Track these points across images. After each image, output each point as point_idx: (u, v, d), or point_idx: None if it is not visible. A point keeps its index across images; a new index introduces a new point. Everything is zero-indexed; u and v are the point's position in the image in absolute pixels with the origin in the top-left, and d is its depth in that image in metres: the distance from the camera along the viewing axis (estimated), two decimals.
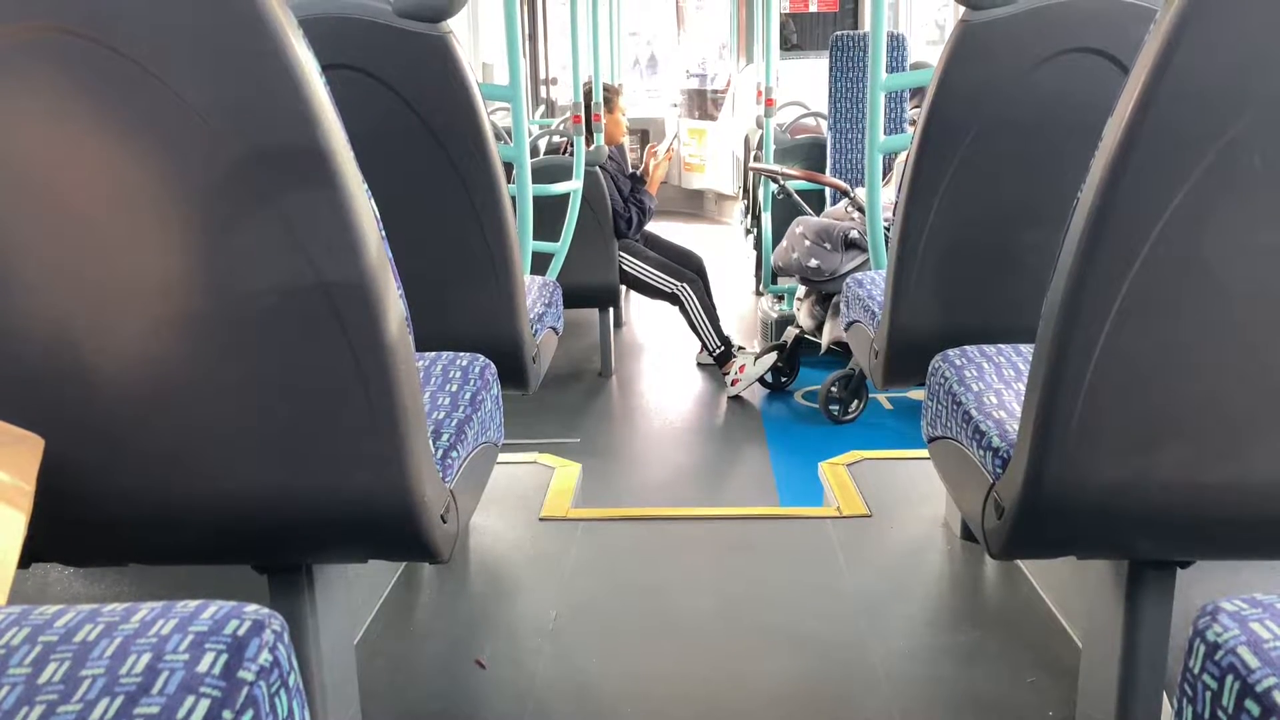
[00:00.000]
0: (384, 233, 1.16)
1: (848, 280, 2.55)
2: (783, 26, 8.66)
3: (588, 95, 4.50)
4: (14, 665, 0.73)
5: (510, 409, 1.90)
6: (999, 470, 1.37)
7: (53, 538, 1.27)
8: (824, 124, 6.18)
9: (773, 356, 4.88)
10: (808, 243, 4.41)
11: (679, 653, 1.95)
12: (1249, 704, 0.75)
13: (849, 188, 4.63)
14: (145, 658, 0.73)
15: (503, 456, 1.89)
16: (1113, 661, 1.50)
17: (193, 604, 0.79)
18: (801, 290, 4.74)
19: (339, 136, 1.08)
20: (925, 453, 1.76)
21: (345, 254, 1.10)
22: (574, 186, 4.09)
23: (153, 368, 1.16)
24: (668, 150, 5.60)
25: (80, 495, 1.22)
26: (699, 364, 5.38)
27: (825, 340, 4.54)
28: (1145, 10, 1.78)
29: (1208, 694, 0.80)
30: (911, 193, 2.01)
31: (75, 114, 1.05)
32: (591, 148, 4.49)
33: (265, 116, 1.05)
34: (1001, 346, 1.72)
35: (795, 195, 4.96)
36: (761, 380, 4.90)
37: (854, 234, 4.33)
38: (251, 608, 0.79)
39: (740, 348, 5.05)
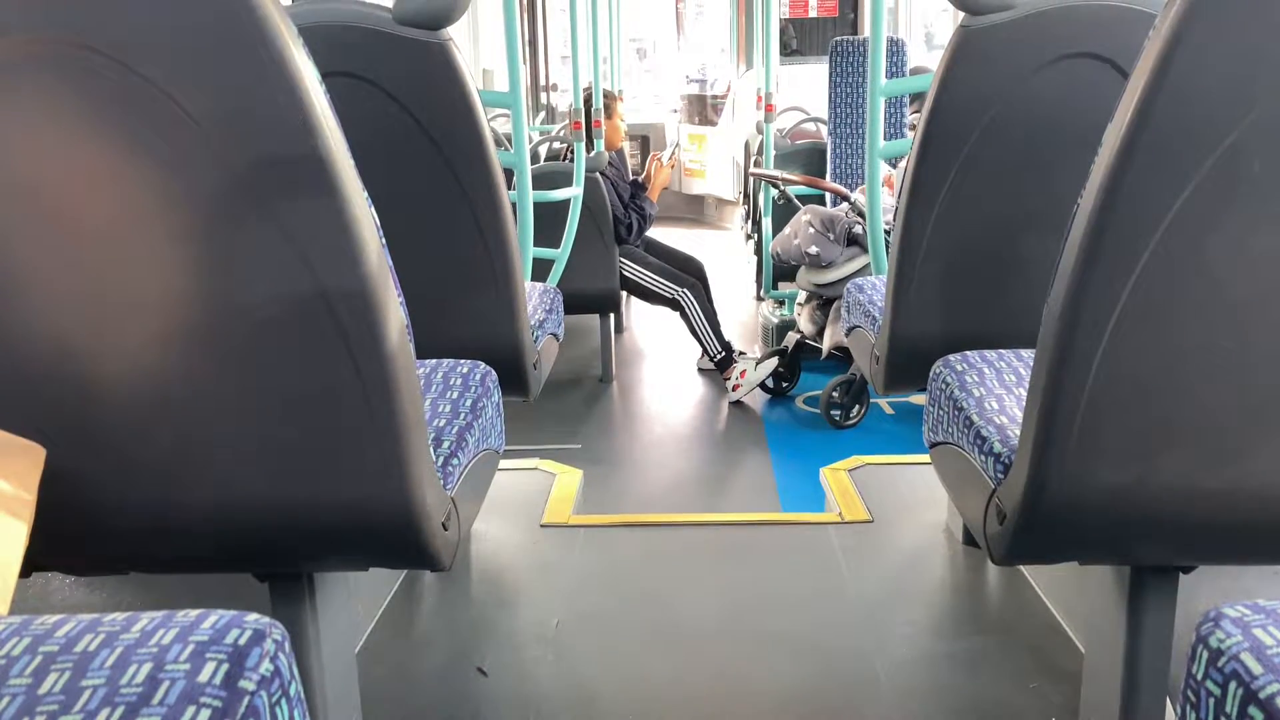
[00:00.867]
0: (384, 240, 1.16)
1: (848, 285, 2.55)
2: (782, 32, 8.67)
3: (588, 101, 4.51)
4: (14, 676, 0.73)
5: (511, 415, 1.90)
6: (1000, 476, 1.37)
7: (54, 547, 1.27)
8: (824, 129, 6.18)
9: (774, 361, 4.88)
10: (812, 230, 4.41)
11: (681, 660, 1.95)
12: (1252, 710, 0.75)
13: (849, 193, 4.63)
14: (146, 668, 0.73)
15: (504, 463, 1.89)
16: (1115, 667, 1.50)
17: (193, 613, 0.79)
18: (802, 295, 4.74)
19: (339, 145, 1.08)
20: (927, 458, 1.76)
21: (345, 262, 1.10)
22: (574, 193, 4.09)
23: (154, 377, 1.16)
24: (671, 157, 5.60)
25: (82, 504, 1.22)
26: (700, 369, 5.38)
27: (826, 345, 4.54)
28: (1145, 15, 1.78)
29: (1211, 700, 0.80)
30: (912, 198, 2.01)
31: (76, 125, 1.05)
32: (592, 154, 4.50)
33: (266, 126, 1.05)
34: (1003, 352, 1.72)
35: (795, 200, 4.96)
36: (763, 385, 4.90)
37: (859, 229, 4.33)
38: (252, 617, 0.79)
39: (741, 353, 5.05)
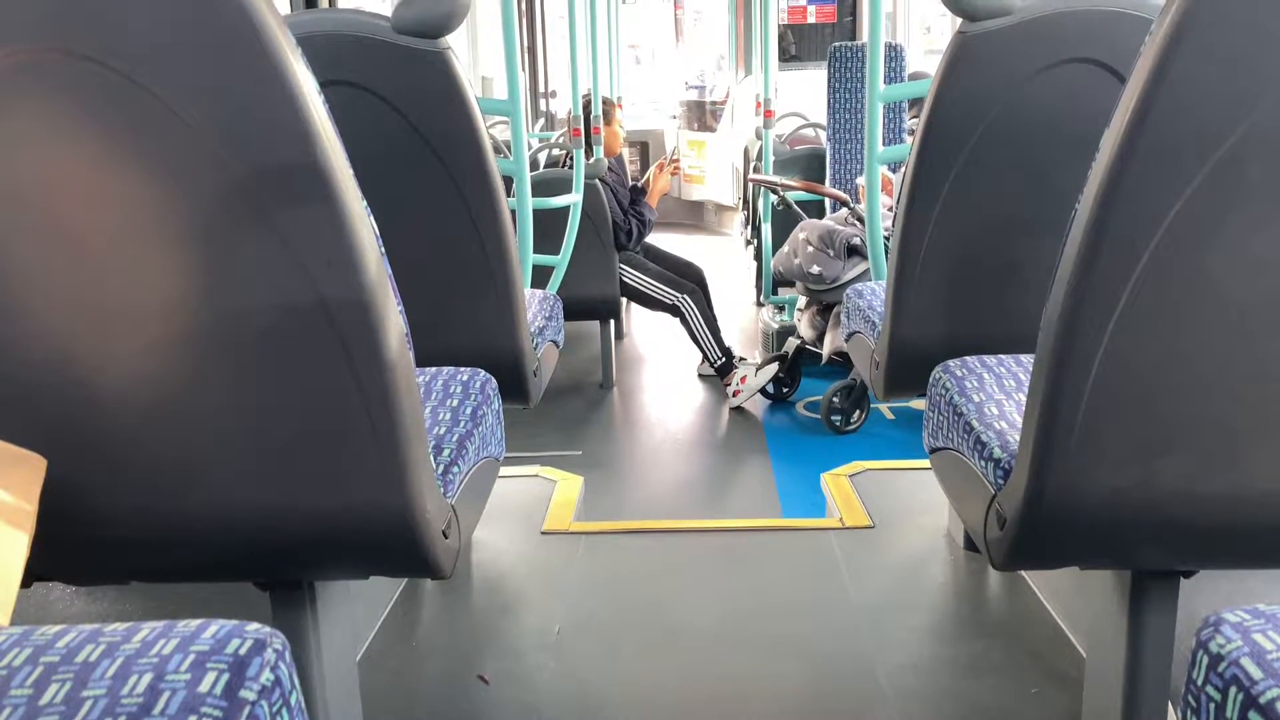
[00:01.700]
0: (383, 249, 1.16)
1: (848, 291, 2.55)
2: (781, 38, 8.68)
3: (586, 108, 4.51)
4: (15, 686, 0.73)
5: (512, 422, 1.90)
6: (1000, 481, 1.37)
7: (55, 557, 1.27)
8: (823, 135, 6.19)
9: (774, 367, 4.88)
10: (810, 248, 4.41)
11: (682, 666, 1.95)
12: (1253, 715, 0.75)
13: (848, 198, 4.64)
14: (147, 678, 0.73)
15: (504, 470, 1.89)
16: (1117, 672, 1.50)
17: (194, 623, 0.79)
18: (802, 301, 4.74)
19: (338, 154, 1.08)
20: (928, 463, 1.76)
21: (345, 271, 1.10)
22: (574, 199, 4.10)
23: (154, 387, 1.17)
24: (674, 163, 5.59)
25: (82, 515, 1.22)
26: (700, 375, 5.38)
27: (826, 351, 4.54)
28: (1141, 20, 1.79)
29: (1211, 706, 0.80)
30: (910, 203, 2.01)
31: (74, 134, 1.05)
32: (591, 160, 4.50)
33: (264, 135, 1.06)
34: (1002, 357, 1.72)
35: (795, 206, 4.97)
36: (763, 391, 4.90)
37: (856, 240, 4.33)
38: (253, 626, 0.79)
39: (741, 359, 5.05)
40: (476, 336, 2.13)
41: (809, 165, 6.09)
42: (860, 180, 4.85)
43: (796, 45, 9.37)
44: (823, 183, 5.65)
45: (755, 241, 6.45)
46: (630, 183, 5.41)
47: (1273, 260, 1.10)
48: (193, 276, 1.12)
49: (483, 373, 1.76)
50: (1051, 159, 1.86)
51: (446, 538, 1.33)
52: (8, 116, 1.05)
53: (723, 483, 4.21)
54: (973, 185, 1.95)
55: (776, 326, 5.52)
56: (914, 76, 5.58)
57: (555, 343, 2.54)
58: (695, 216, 10.92)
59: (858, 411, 4.48)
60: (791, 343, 4.86)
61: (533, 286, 2.74)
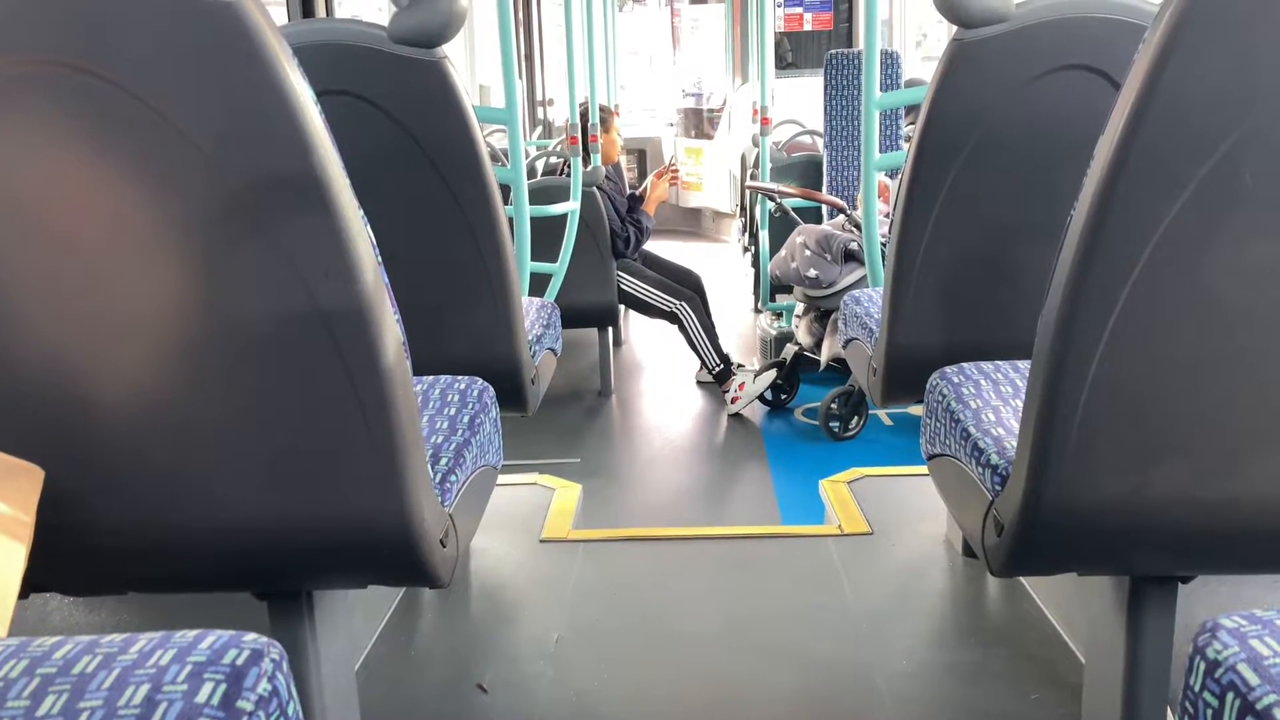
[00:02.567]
0: (380, 258, 1.16)
1: (845, 298, 2.56)
2: (777, 45, 8.71)
3: (584, 116, 4.52)
4: (12, 698, 0.73)
5: (510, 429, 1.90)
6: (998, 487, 1.37)
7: (52, 568, 1.27)
8: (820, 142, 6.20)
9: (772, 374, 4.88)
10: (808, 252, 4.41)
11: (682, 674, 1.95)
12: None
13: (845, 205, 4.64)
14: (144, 689, 0.73)
15: (503, 478, 1.89)
16: (1116, 677, 1.50)
17: (191, 634, 0.79)
18: (800, 307, 4.75)
19: (334, 164, 1.08)
20: (926, 469, 1.76)
21: (342, 281, 1.10)
22: (571, 207, 4.10)
23: (151, 397, 1.17)
24: (673, 172, 5.60)
25: (79, 525, 1.22)
26: (698, 382, 5.38)
27: (824, 357, 4.55)
28: (1136, 27, 1.79)
29: (1209, 711, 0.80)
30: (907, 210, 2.02)
31: (71, 146, 1.05)
32: (588, 168, 4.51)
33: (261, 145, 1.06)
34: (999, 363, 1.72)
35: (792, 213, 4.97)
36: (761, 398, 4.90)
37: (853, 245, 4.34)
38: (250, 636, 0.79)
39: (740, 365, 5.05)
40: (474, 345, 2.13)
41: (806, 172, 6.11)
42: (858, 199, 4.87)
43: (793, 53, 9.40)
44: (820, 189, 5.66)
45: (753, 248, 6.45)
46: (628, 190, 5.42)
47: (1268, 266, 1.10)
48: (190, 287, 1.12)
49: (480, 381, 1.76)
50: (1047, 165, 1.87)
51: (444, 546, 1.33)
52: (4, 128, 1.05)
53: (721, 490, 4.21)
54: (969, 192, 1.96)
55: (774, 333, 5.52)
56: (910, 83, 5.59)
57: (553, 350, 2.54)
58: (693, 223, 10.94)
59: (856, 418, 4.48)
60: (789, 349, 4.86)
61: (530, 294, 2.74)
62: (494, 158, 2.13)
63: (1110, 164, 1.08)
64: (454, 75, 1.97)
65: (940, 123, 1.94)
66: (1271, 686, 0.75)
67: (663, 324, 5.21)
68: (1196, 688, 0.81)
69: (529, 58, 9.85)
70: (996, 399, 1.59)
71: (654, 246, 5.65)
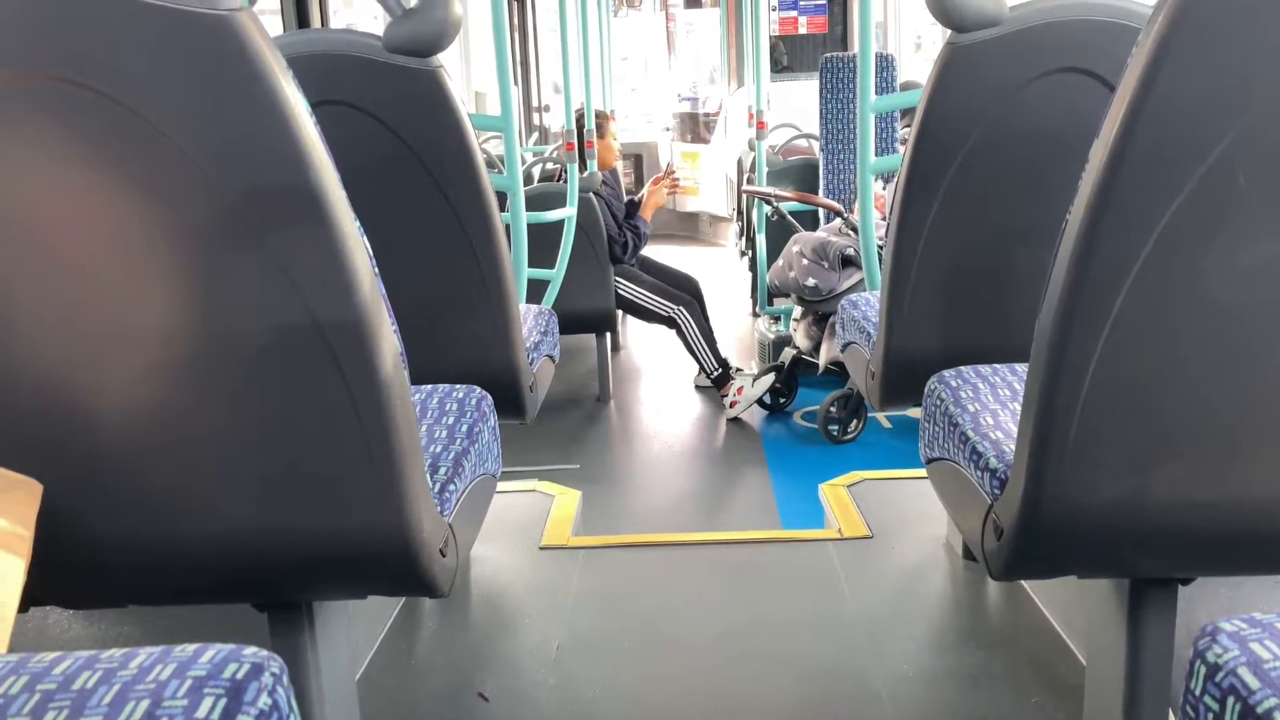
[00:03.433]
0: (377, 268, 1.16)
1: (843, 302, 2.56)
2: (772, 49, 8.70)
3: (580, 122, 4.52)
4: (13, 714, 0.73)
5: (508, 436, 1.90)
6: (997, 491, 1.37)
7: (51, 581, 1.27)
8: (816, 145, 6.21)
9: (771, 377, 4.88)
10: (805, 261, 4.42)
11: (682, 680, 1.95)
12: None
13: (842, 208, 4.64)
14: (144, 704, 0.73)
15: (502, 485, 1.89)
16: (1117, 680, 1.50)
17: (191, 648, 0.79)
18: (798, 311, 4.75)
19: (330, 176, 1.08)
20: (925, 472, 1.76)
21: (338, 292, 1.10)
22: (568, 213, 4.11)
23: (149, 410, 1.17)
24: (673, 180, 5.59)
25: (78, 539, 1.22)
26: (697, 387, 5.38)
27: (823, 360, 4.55)
28: (1130, 30, 1.79)
29: (1209, 715, 0.80)
30: (903, 213, 2.02)
31: (67, 160, 1.05)
32: (585, 174, 4.51)
33: (256, 158, 1.06)
34: (997, 366, 1.73)
35: (789, 216, 4.97)
36: (760, 402, 4.90)
37: (850, 251, 4.34)
38: (250, 650, 0.79)
39: (738, 369, 5.05)
40: (472, 353, 2.13)
41: (802, 175, 6.11)
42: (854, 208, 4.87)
43: (788, 56, 9.40)
44: (816, 193, 5.66)
45: (750, 252, 6.46)
46: (625, 197, 5.42)
47: (1263, 267, 1.10)
48: (186, 300, 1.12)
49: (478, 389, 1.76)
50: (1043, 168, 1.87)
51: (444, 556, 1.33)
52: (0, 143, 1.05)
53: (720, 494, 4.20)
54: (965, 195, 1.96)
55: (773, 337, 5.52)
56: (905, 86, 5.59)
57: (551, 357, 2.54)
58: (690, 228, 10.95)
59: (855, 421, 4.48)
60: (788, 353, 4.86)
61: (528, 301, 2.74)
62: (490, 165, 2.13)
63: (1105, 166, 1.08)
64: (449, 84, 1.97)
65: (935, 126, 1.94)
66: (1272, 690, 0.75)
67: (660, 329, 5.21)
68: (1197, 691, 0.81)
69: (524, 64, 9.86)
70: (994, 402, 1.59)
71: (651, 251, 5.65)
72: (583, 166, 4.46)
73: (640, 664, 2.01)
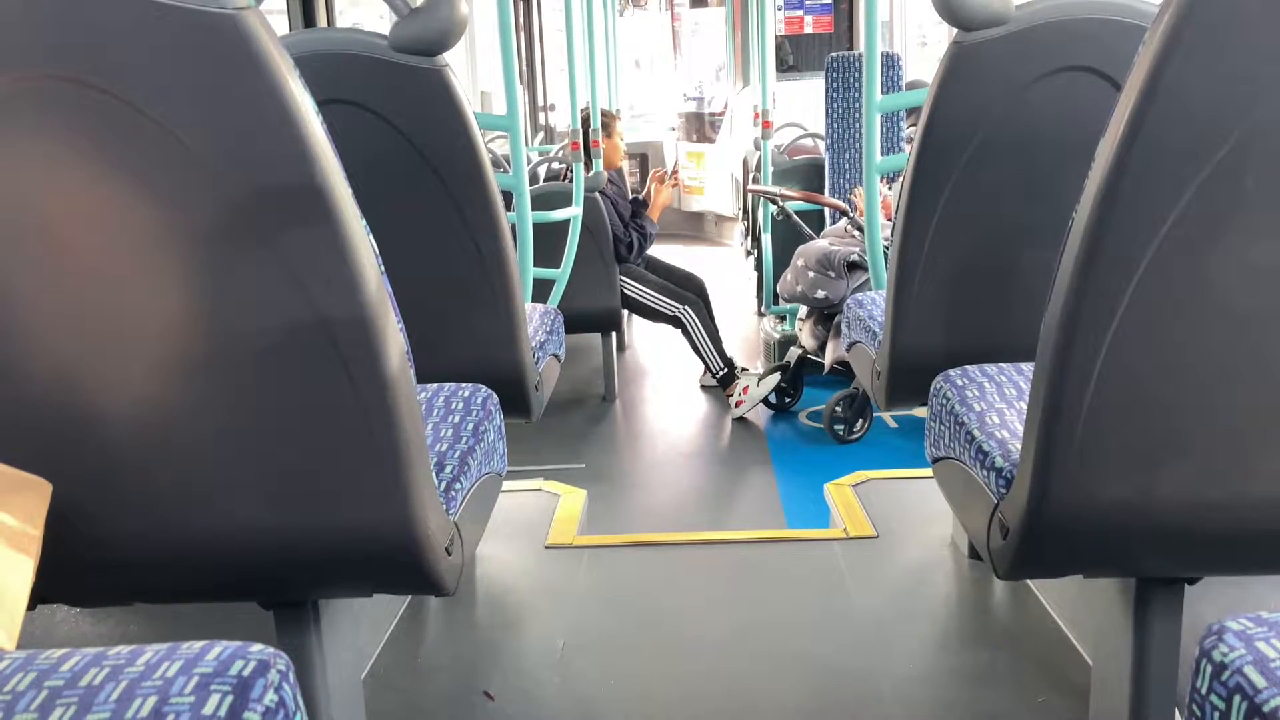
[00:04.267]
0: (383, 267, 1.17)
1: (848, 301, 2.55)
2: (778, 48, 8.71)
3: (585, 121, 4.53)
4: (21, 711, 0.73)
5: (514, 435, 1.90)
6: (1003, 490, 1.37)
7: (59, 579, 1.27)
8: (821, 145, 6.21)
9: (776, 377, 4.88)
10: (811, 274, 4.42)
11: (688, 680, 1.95)
12: None
13: (848, 208, 4.64)
14: (151, 701, 0.73)
15: (507, 484, 1.89)
16: (1123, 679, 1.49)
17: (197, 645, 0.79)
18: (803, 311, 4.75)
19: (336, 174, 1.08)
20: (931, 472, 1.76)
21: (344, 290, 1.11)
22: (574, 213, 4.11)
23: (156, 409, 1.17)
24: (674, 176, 5.59)
25: (86, 537, 1.23)
26: (702, 386, 5.38)
27: (828, 360, 4.54)
28: (1136, 28, 1.79)
29: (1215, 714, 0.80)
30: (909, 213, 2.01)
31: (74, 159, 1.06)
32: (590, 174, 4.51)
33: (262, 156, 1.06)
34: (1003, 366, 1.72)
35: (794, 216, 4.97)
36: (765, 401, 4.90)
37: (854, 257, 4.34)
38: (256, 647, 0.79)
39: (743, 369, 5.05)
40: (477, 352, 2.14)
41: (808, 175, 6.10)
42: (854, 192, 4.86)
43: (794, 55, 9.40)
44: (822, 192, 5.66)
45: (755, 252, 6.46)
46: (631, 195, 5.42)
47: (1270, 266, 1.10)
48: (193, 298, 1.12)
49: (484, 388, 1.77)
50: (1049, 167, 1.86)
51: (450, 555, 1.33)
52: (7, 141, 1.05)
53: (726, 494, 4.20)
54: (971, 194, 1.96)
55: (778, 336, 5.52)
56: (911, 85, 5.59)
57: (557, 356, 2.54)
58: (695, 227, 10.94)
59: (860, 420, 4.48)
60: (793, 353, 4.86)
61: (533, 301, 2.74)
62: (496, 164, 2.13)
63: (1112, 165, 1.08)
64: (455, 83, 1.97)
65: (941, 125, 1.93)
66: (1278, 689, 0.75)
67: (666, 328, 5.21)
68: (1203, 690, 0.81)
69: (530, 63, 9.86)
70: (1000, 401, 1.59)
71: (657, 251, 5.65)
72: (588, 166, 4.46)
73: (646, 663, 2.01)
